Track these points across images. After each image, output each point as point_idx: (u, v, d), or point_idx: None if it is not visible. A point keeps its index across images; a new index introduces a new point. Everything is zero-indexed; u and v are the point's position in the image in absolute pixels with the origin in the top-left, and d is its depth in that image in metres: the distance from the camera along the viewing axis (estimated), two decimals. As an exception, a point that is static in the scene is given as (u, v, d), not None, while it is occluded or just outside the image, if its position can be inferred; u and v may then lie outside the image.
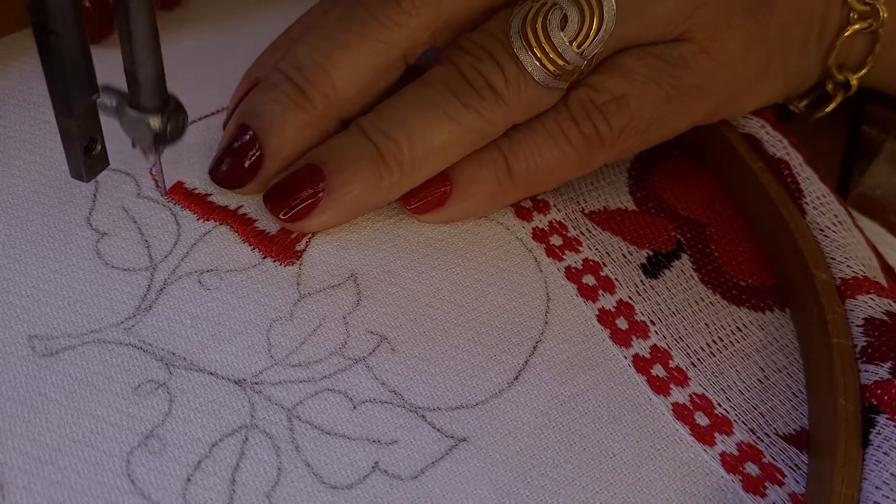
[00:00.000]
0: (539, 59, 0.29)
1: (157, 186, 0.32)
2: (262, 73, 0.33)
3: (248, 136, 0.31)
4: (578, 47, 0.29)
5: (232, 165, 0.31)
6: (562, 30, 0.29)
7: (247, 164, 0.31)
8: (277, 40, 0.34)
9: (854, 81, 0.38)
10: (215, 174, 0.31)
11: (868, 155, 0.40)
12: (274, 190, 0.31)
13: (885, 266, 0.34)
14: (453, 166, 0.31)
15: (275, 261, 0.31)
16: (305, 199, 0.30)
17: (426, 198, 0.31)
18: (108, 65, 0.28)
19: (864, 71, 0.37)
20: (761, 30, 0.33)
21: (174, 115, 0.27)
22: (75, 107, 0.26)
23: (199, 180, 0.32)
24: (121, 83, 0.27)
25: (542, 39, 0.29)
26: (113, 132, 0.28)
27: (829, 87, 0.38)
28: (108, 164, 0.29)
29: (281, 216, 0.30)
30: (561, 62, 0.29)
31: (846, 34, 0.36)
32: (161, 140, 0.28)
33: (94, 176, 0.29)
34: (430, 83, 0.31)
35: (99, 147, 0.28)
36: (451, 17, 0.31)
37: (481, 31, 0.31)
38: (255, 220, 0.31)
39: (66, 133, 0.27)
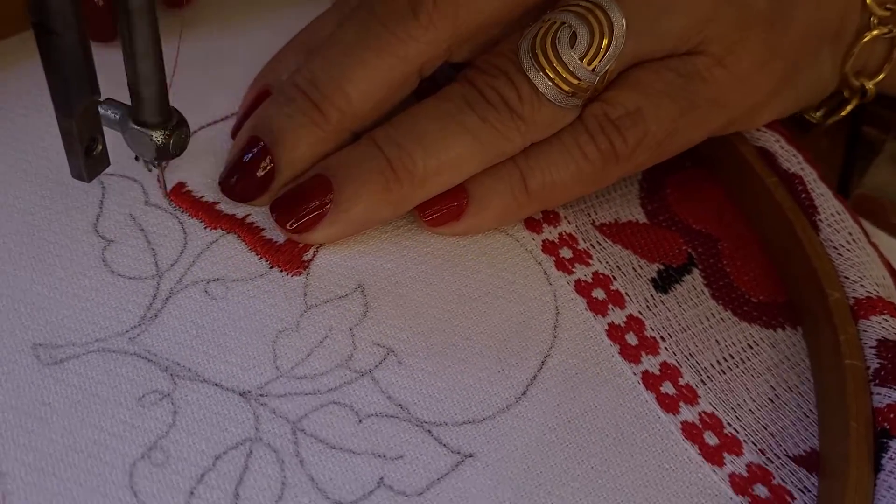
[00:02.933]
0: (552, 80, 0.29)
1: (160, 187, 0.32)
2: (272, 80, 0.33)
3: (259, 150, 0.30)
4: (589, 64, 0.29)
5: (243, 179, 0.31)
6: (571, 48, 0.29)
7: (258, 177, 0.30)
8: (286, 47, 0.34)
9: (871, 87, 0.37)
10: (225, 186, 0.31)
11: (868, 155, 0.40)
12: (281, 200, 0.30)
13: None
14: (469, 180, 0.31)
15: (282, 270, 0.30)
16: (312, 211, 0.30)
17: (442, 210, 0.31)
18: (108, 65, 0.28)
19: (881, 76, 0.37)
20: (777, 41, 0.32)
21: (177, 130, 0.27)
22: (76, 107, 0.26)
23: (206, 188, 0.32)
24: (123, 82, 0.26)
25: (553, 59, 0.29)
26: (116, 134, 0.28)
27: (847, 92, 0.38)
28: (109, 164, 0.29)
29: (287, 227, 0.30)
30: (574, 80, 0.29)
31: (865, 39, 0.35)
32: (164, 154, 0.28)
33: (95, 176, 0.28)
34: (447, 97, 0.30)
35: (100, 147, 0.28)
36: (467, 30, 0.30)
37: (494, 53, 0.31)
38: (262, 229, 0.31)
39: (66, 133, 0.27)
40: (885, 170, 0.39)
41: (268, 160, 0.30)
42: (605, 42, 0.29)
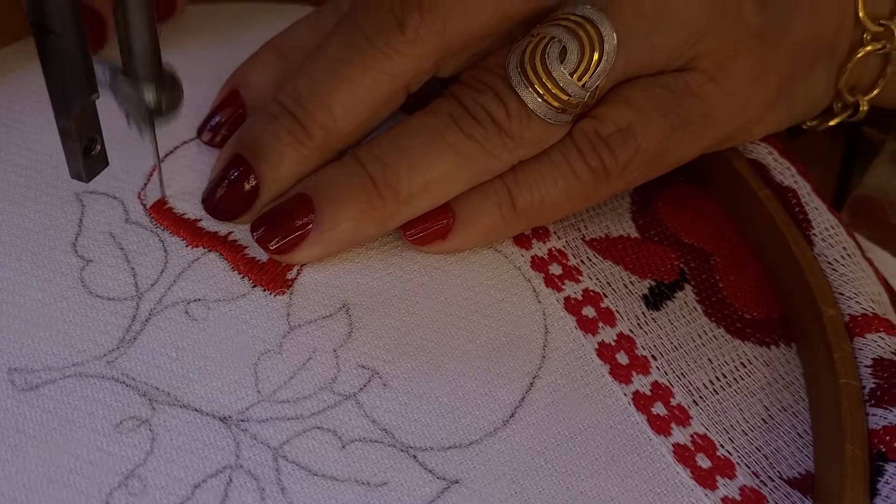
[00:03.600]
0: (541, 96, 0.28)
1: (157, 178, 0.31)
2: (242, 81, 0.32)
3: (243, 168, 0.30)
4: (579, 80, 0.28)
5: (226, 196, 0.30)
6: (561, 63, 0.28)
7: (241, 195, 0.30)
8: (260, 50, 0.33)
9: (864, 104, 0.37)
10: (208, 204, 0.31)
11: (868, 155, 0.39)
12: (262, 220, 0.30)
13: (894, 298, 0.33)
14: (455, 198, 0.30)
15: (265, 290, 0.30)
16: (294, 231, 0.29)
17: (427, 229, 0.30)
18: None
19: (874, 93, 0.37)
20: (770, 55, 0.32)
21: (169, 88, 0.26)
22: (74, 107, 0.25)
23: (188, 204, 0.31)
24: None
25: (543, 75, 0.28)
26: (112, 136, 0.28)
27: (837, 106, 0.37)
28: (108, 164, 0.28)
29: (269, 247, 0.29)
30: (564, 96, 0.28)
31: (858, 56, 0.35)
32: (156, 113, 0.27)
33: (93, 176, 0.28)
34: (433, 114, 0.30)
35: (98, 147, 0.27)
36: (455, 44, 0.30)
37: (481, 68, 0.30)
38: (245, 247, 0.30)
39: (65, 133, 0.26)
40: (885, 170, 0.38)
41: (251, 178, 0.30)
42: (595, 57, 0.28)
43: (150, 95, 0.26)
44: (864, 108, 0.37)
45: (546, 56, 0.28)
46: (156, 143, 0.30)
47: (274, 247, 0.29)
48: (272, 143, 0.30)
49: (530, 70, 0.28)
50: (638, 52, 0.29)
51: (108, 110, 0.27)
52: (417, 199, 0.29)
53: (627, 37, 0.29)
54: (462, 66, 0.31)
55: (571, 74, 0.28)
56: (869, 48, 0.35)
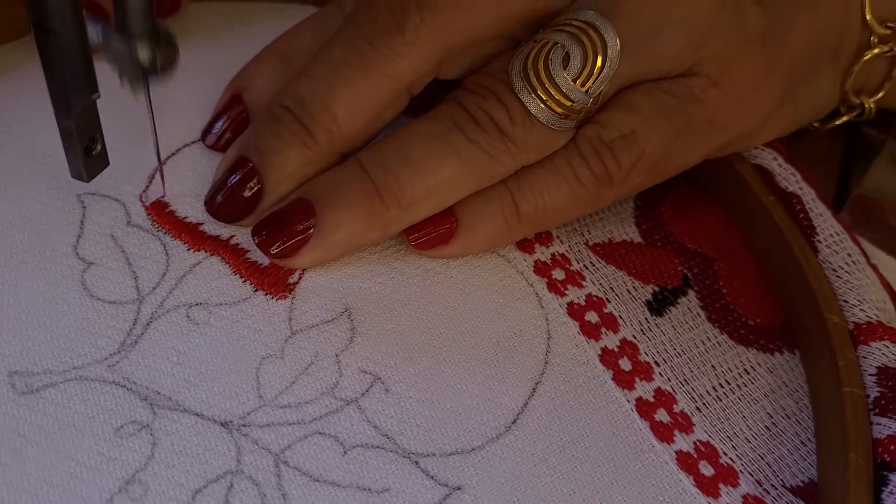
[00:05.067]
0: (544, 101, 0.28)
1: (159, 178, 0.31)
2: (244, 85, 0.32)
3: (247, 170, 0.30)
4: (583, 86, 0.28)
5: (229, 199, 0.30)
6: (564, 69, 0.28)
7: (244, 198, 0.30)
8: (262, 53, 0.33)
9: (870, 105, 0.36)
10: (211, 206, 0.30)
11: (868, 155, 0.39)
12: (263, 225, 0.30)
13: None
14: (458, 203, 0.30)
15: (266, 294, 0.30)
16: (295, 236, 0.29)
17: (431, 234, 0.30)
18: (108, 65, 0.27)
19: (880, 94, 0.36)
20: (774, 57, 0.32)
21: (165, 43, 0.26)
22: (75, 106, 0.25)
23: (190, 208, 0.31)
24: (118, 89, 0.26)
25: (546, 81, 0.28)
26: (112, 136, 0.27)
27: (843, 108, 0.37)
28: (108, 164, 0.28)
29: (270, 252, 0.29)
30: (567, 102, 0.28)
31: (865, 58, 0.35)
32: (150, 71, 0.26)
33: (94, 176, 0.28)
34: (436, 119, 0.30)
35: (99, 147, 0.27)
36: (457, 45, 0.29)
37: (484, 74, 0.30)
38: (247, 251, 0.30)
39: (65, 133, 0.26)
40: (885, 170, 0.38)
41: (255, 181, 0.30)
42: (598, 63, 0.28)
43: (144, 52, 0.25)
44: (870, 109, 0.36)
45: (549, 62, 0.28)
46: (151, 106, 0.28)
47: (275, 251, 0.29)
48: (276, 146, 0.29)
49: (533, 76, 0.28)
50: (641, 57, 0.29)
51: (109, 110, 0.27)
52: (419, 204, 0.29)
53: (630, 42, 0.29)
54: (465, 68, 0.31)
55: (574, 80, 0.28)
56: (876, 51, 0.35)
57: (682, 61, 0.30)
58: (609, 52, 0.28)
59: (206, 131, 0.33)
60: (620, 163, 0.30)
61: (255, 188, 0.30)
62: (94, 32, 0.25)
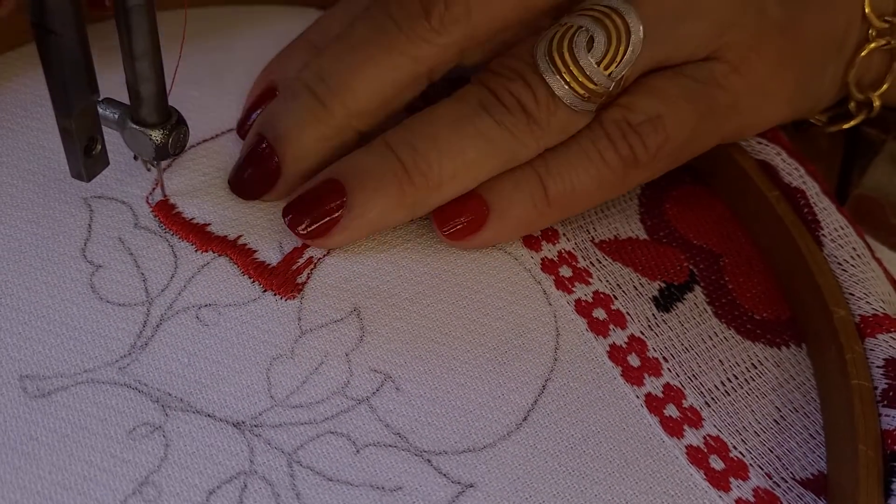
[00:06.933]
0: (568, 83, 0.29)
1: (160, 187, 0.31)
2: (277, 76, 0.33)
3: (265, 147, 0.30)
4: (606, 69, 0.28)
5: (250, 176, 0.31)
6: (588, 52, 0.28)
7: (263, 174, 0.30)
8: (293, 44, 0.34)
9: (876, 101, 0.37)
10: (234, 184, 0.31)
11: (868, 155, 0.40)
12: (294, 205, 0.30)
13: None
14: (489, 189, 0.30)
15: (275, 294, 0.30)
16: (325, 216, 0.29)
17: (463, 223, 0.30)
18: (108, 65, 0.28)
19: (883, 88, 0.37)
20: (790, 47, 0.32)
21: (176, 129, 0.28)
22: (75, 107, 0.25)
23: (197, 209, 0.31)
24: (122, 82, 0.26)
25: (570, 63, 0.28)
26: (114, 137, 0.28)
27: (852, 105, 0.37)
28: (108, 163, 0.28)
29: (300, 231, 0.29)
30: (590, 85, 0.29)
31: (864, 52, 0.35)
32: (163, 154, 0.28)
33: (94, 176, 0.28)
34: (462, 100, 0.30)
35: (99, 147, 0.28)
36: (480, 34, 0.30)
37: (510, 55, 0.30)
38: (255, 252, 0.30)
39: (65, 133, 0.26)
40: (885, 170, 0.38)
41: (273, 157, 0.30)
42: (622, 47, 0.28)
43: (159, 138, 0.27)
44: (876, 104, 0.37)
45: (574, 45, 0.29)
46: (162, 182, 0.31)
47: (304, 231, 0.29)
48: (292, 121, 0.30)
49: (558, 58, 0.29)
50: (663, 43, 0.30)
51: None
52: (447, 185, 0.29)
53: (653, 28, 0.29)
54: (486, 56, 0.31)
55: (598, 64, 0.28)
56: (873, 45, 0.35)
57: (703, 47, 0.30)
58: (632, 37, 0.28)
59: (241, 124, 0.33)
60: (647, 146, 0.30)
61: (274, 164, 0.30)
62: (111, 114, 0.28)
